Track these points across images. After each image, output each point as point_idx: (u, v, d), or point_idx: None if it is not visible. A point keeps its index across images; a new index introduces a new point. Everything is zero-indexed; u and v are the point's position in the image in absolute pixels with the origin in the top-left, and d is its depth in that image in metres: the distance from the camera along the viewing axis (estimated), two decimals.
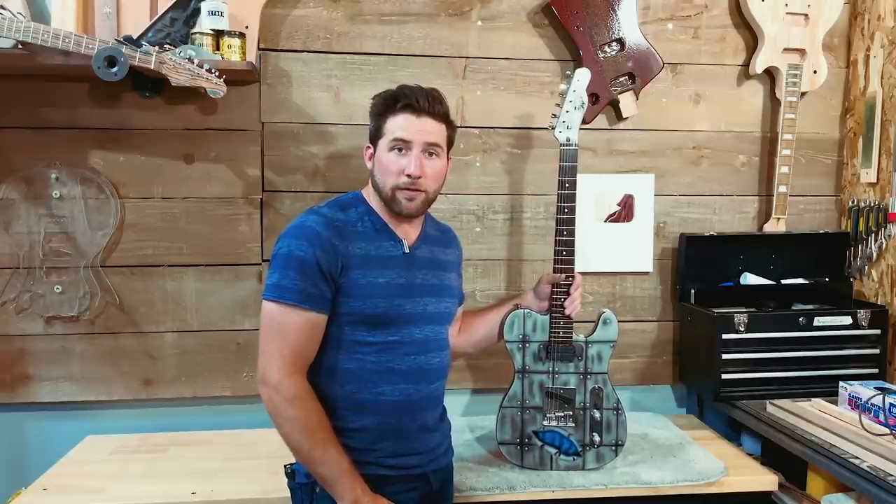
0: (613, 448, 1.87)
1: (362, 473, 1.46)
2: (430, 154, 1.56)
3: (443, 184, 1.63)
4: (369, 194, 1.62)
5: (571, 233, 1.82)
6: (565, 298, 1.81)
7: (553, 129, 1.86)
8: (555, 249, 1.83)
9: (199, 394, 2.20)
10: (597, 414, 1.86)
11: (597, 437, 1.86)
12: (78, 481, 1.82)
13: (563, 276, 1.81)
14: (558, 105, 1.86)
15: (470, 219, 2.29)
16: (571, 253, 1.82)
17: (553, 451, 1.86)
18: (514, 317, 1.84)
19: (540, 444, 1.86)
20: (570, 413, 1.85)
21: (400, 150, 1.54)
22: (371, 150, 1.61)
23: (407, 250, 1.58)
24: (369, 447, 1.51)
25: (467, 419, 2.25)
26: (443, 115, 1.58)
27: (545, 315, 1.83)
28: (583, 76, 1.83)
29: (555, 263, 1.83)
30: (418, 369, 1.56)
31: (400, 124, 1.54)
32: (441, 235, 1.73)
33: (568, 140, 1.84)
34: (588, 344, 1.85)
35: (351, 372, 1.51)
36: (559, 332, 1.82)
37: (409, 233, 1.61)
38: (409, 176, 1.52)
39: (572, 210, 1.83)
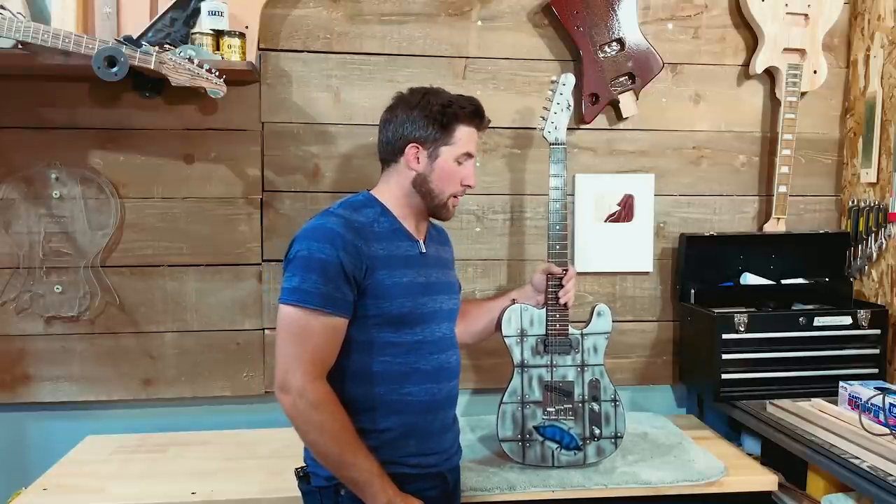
0: (613, 441, 1.88)
1: (388, 473, 1.45)
2: None
3: None
4: (389, 195, 1.59)
5: (563, 227, 1.88)
6: (560, 290, 1.82)
7: (542, 129, 1.93)
8: (548, 245, 1.88)
9: (199, 394, 2.20)
10: (595, 406, 1.87)
11: (597, 430, 1.87)
12: (78, 481, 1.82)
13: (558, 265, 1.84)
14: (546, 108, 1.93)
15: (470, 219, 2.29)
16: (564, 247, 1.87)
17: (554, 446, 1.87)
18: (511, 312, 1.85)
19: (541, 439, 1.87)
20: (570, 406, 1.86)
21: (461, 161, 1.59)
22: (420, 152, 1.56)
23: (423, 250, 1.59)
24: (393, 447, 1.50)
25: (467, 419, 2.25)
26: None
27: (541, 309, 1.85)
28: (568, 80, 1.94)
29: (548, 259, 1.87)
30: (440, 368, 1.56)
31: (473, 137, 1.60)
32: (438, 235, 1.74)
33: (556, 140, 1.91)
34: (584, 336, 1.87)
35: (379, 374, 1.49)
36: (556, 325, 1.84)
37: (421, 234, 1.63)
38: (469, 186, 1.61)
39: (563, 206, 1.89)
